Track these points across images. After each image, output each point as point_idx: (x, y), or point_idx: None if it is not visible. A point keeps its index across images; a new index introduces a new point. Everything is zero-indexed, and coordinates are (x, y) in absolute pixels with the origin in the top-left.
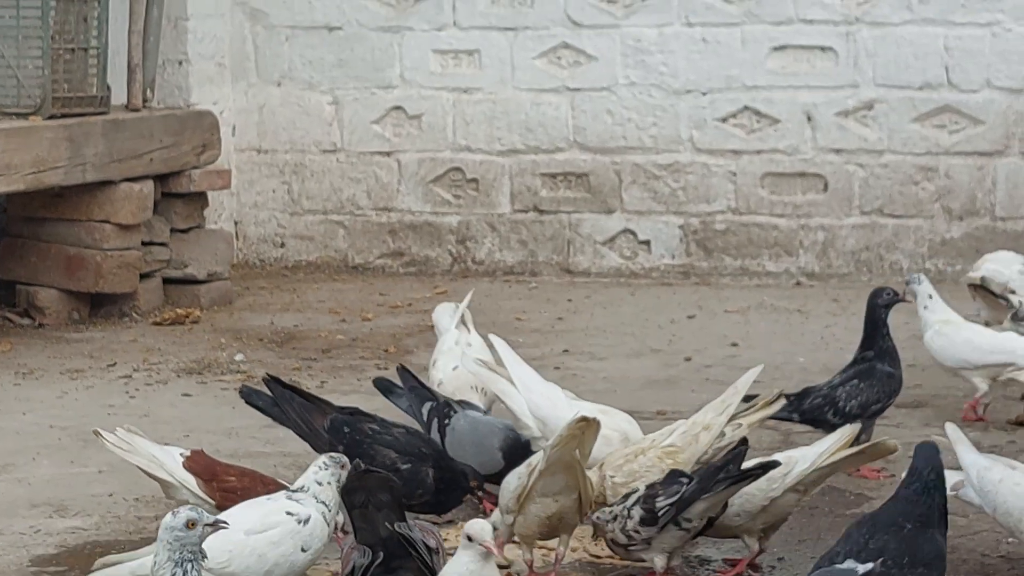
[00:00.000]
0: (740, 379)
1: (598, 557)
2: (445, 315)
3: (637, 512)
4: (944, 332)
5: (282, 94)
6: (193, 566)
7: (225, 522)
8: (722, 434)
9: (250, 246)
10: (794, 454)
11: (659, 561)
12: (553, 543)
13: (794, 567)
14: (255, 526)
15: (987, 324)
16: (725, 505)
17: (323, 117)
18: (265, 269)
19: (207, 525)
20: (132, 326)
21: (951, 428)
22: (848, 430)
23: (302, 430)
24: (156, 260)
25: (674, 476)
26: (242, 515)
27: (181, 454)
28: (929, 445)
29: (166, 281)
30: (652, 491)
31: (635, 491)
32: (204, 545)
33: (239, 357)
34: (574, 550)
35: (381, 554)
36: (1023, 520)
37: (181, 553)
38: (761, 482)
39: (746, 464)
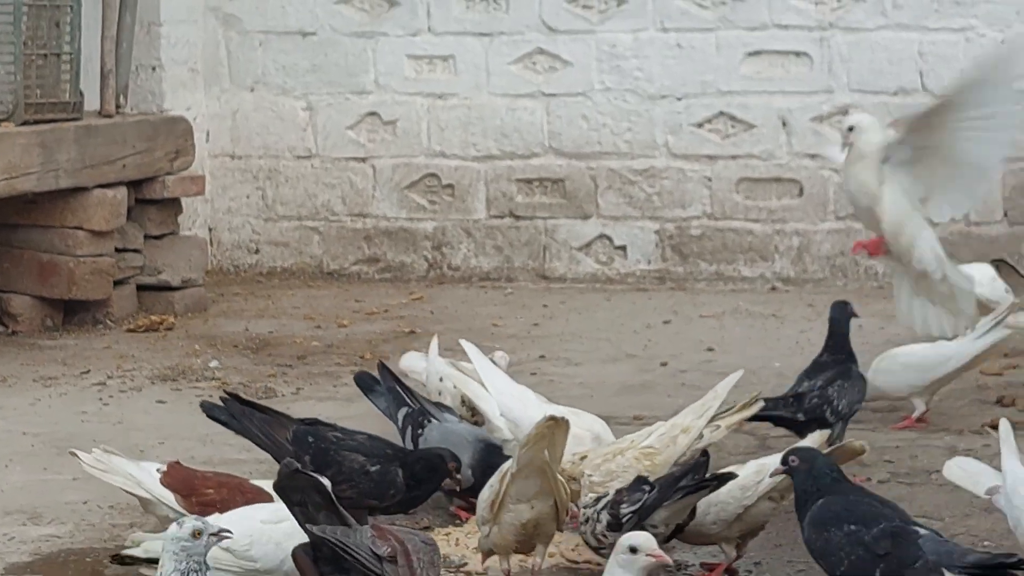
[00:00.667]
0: (720, 383)
1: (575, 562)
2: (415, 359)
3: (604, 517)
4: (882, 367)
5: (256, 100)
6: None
7: (229, 532)
8: (700, 436)
9: (224, 252)
10: (767, 462)
11: None
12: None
13: (771, 571)
14: (270, 517)
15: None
16: (693, 512)
17: (297, 123)
18: (239, 275)
19: (212, 535)
20: (106, 333)
21: (1004, 427)
22: (819, 436)
23: (265, 443)
24: (130, 267)
25: (638, 483)
26: (255, 508)
27: (158, 469)
28: (803, 448)
29: (140, 288)
30: (618, 497)
31: (605, 495)
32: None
33: (214, 364)
34: (551, 556)
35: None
36: None
37: (187, 563)
38: (735, 491)
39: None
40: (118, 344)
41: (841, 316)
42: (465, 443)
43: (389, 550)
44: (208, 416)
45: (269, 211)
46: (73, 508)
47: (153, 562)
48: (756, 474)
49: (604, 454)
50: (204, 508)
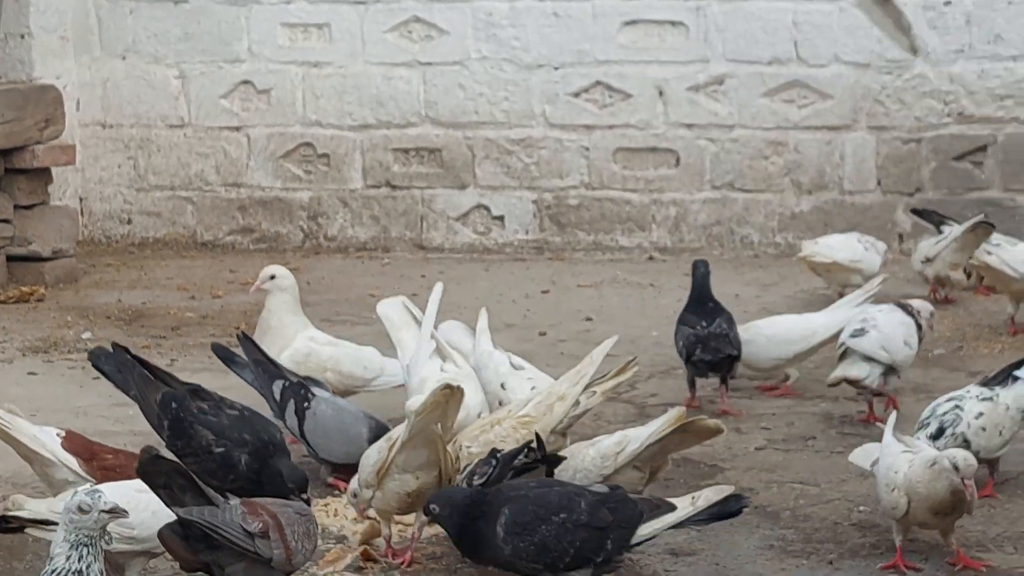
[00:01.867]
0: (595, 350)
1: None
2: (455, 333)
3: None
4: (746, 338)
5: (127, 68)
6: (89, 551)
7: (124, 512)
8: (577, 403)
9: (96, 223)
10: (629, 434)
11: None
12: (410, 519)
13: None
14: (144, 487)
15: (841, 295)
16: None
17: (169, 91)
18: (111, 246)
19: (103, 512)
20: None
21: (891, 419)
22: (675, 412)
23: (138, 400)
24: None
25: (489, 457)
26: (131, 481)
27: (58, 434)
28: (439, 495)
29: (10, 259)
30: (474, 469)
31: (468, 465)
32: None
33: (87, 335)
34: (431, 524)
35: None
36: (882, 484)
37: (77, 536)
38: (596, 459)
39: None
40: None
41: (703, 274)
42: (360, 418)
43: (260, 526)
44: (93, 365)
45: (141, 181)
46: None
47: (38, 523)
48: (616, 444)
49: (481, 425)
50: (106, 472)
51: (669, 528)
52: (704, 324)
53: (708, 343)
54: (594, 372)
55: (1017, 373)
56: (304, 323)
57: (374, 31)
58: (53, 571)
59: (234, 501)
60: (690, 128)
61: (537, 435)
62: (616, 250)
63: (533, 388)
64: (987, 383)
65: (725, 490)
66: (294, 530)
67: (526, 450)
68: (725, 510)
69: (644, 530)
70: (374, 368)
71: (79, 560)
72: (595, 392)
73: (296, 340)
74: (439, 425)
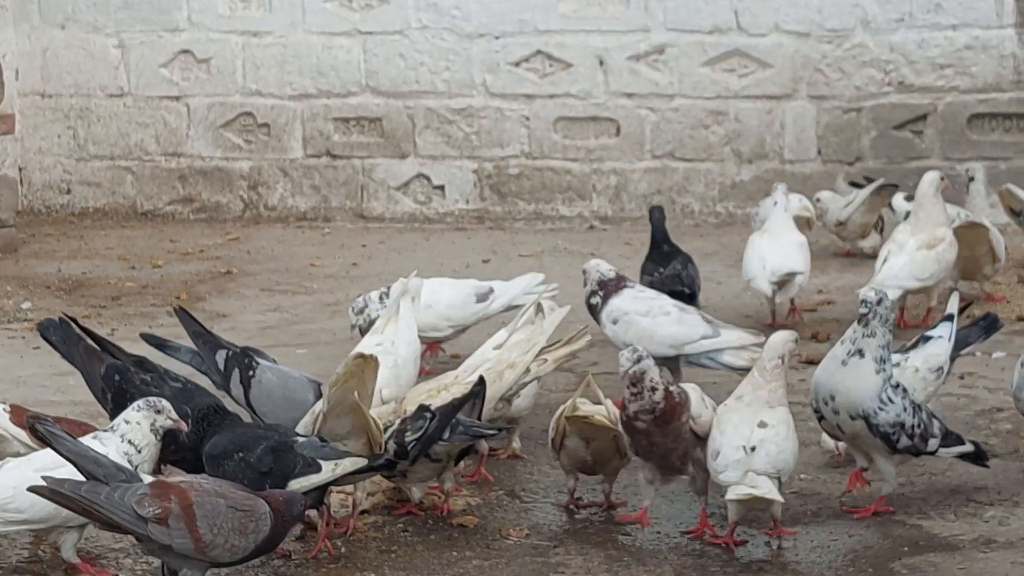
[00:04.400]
0: (547, 319)
1: (399, 501)
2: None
3: (391, 446)
4: None
5: (66, 37)
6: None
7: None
8: (527, 370)
9: (35, 192)
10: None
11: (416, 492)
12: (350, 487)
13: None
14: (47, 464)
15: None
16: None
17: (109, 60)
18: (51, 216)
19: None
20: None
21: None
22: (616, 412)
23: (82, 372)
24: None
25: (420, 411)
26: (30, 458)
27: (4, 409)
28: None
29: None
30: (403, 426)
31: (391, 424)
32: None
33: (26, 305)
34: (372, 494)
35: None
36: None
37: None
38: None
39: None
40: None
41: (660, 216)
42: (305, 384)
43: (159, 511)
44: (42, 335)
45: (81, 151)
46: None
47: None
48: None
49: (428, 390)
50: None
51: (316, 486)
52: (661, 270)
53: (663, 287)
54: (545, 341)
55: (928, 333)
56: None
57: (314, 0)
58: None
59: (147, 480)
60: (631, 97)
61: (481, 379)
62: (557, 219)
63: (496, 348)
64: (905, 351)
65: (359, 462)
66: (214, 522)
67: (471, 395)
68: (369, 467)
69: (295, 484)
70: None
71: None
72: (546, 360)
73: None
74: (357, 393)
